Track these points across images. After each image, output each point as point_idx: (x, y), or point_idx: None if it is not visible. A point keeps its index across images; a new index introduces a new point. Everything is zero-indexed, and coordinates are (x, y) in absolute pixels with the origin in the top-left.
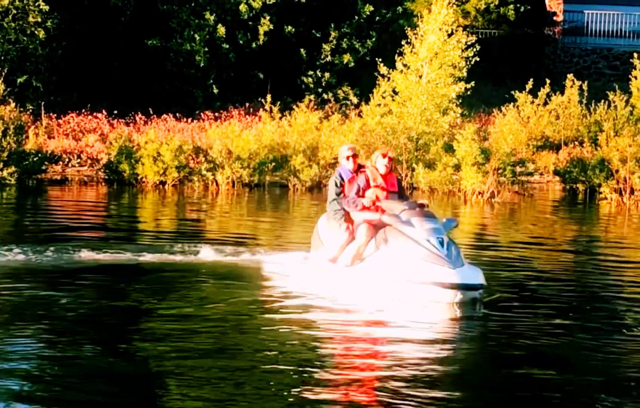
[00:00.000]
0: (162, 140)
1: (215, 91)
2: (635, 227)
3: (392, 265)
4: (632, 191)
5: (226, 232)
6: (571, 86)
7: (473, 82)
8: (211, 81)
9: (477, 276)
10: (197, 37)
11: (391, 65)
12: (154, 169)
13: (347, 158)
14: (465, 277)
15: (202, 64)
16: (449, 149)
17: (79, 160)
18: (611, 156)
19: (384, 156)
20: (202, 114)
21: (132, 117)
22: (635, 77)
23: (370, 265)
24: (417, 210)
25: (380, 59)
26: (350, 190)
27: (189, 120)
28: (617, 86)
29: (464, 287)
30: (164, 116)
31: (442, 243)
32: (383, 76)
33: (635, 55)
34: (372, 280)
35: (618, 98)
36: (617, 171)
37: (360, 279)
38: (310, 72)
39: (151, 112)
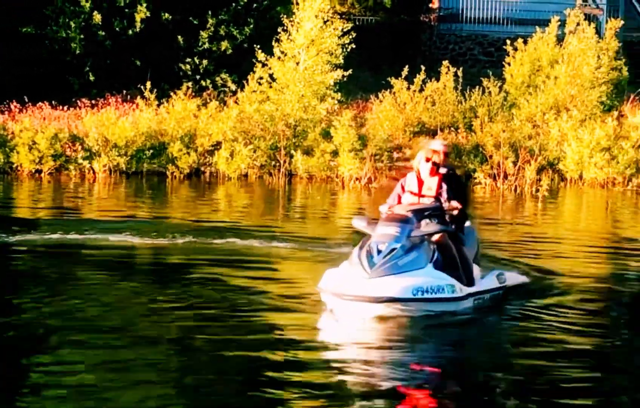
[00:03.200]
0: (37, 128)
1: (92, 78)
2: (508, 209)
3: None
4: (505, 176)
5: (104, 217)
6: (446, 73)
7: (350, 69)
8: (87, 69)
9: (396, 289)
10: (73, 25)
11: (270, 52)
12: (29, 157)
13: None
14: (376, 289)
15: (77, 52)
16: (326, 135)
17: None
18: (485, 142)
19: (427, 160)
20: (78, 101)
21: (6, 105)
22: (509, 64)
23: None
24: (388, 214)
25: (258, 46)
26: (390, 196)
27: (65, 108)
28: (491, 72)
29: (368, 299)
30: (40, 103)
31: (379, 251)
32: (261, 62)
33: (509, 41)
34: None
35: (492, 84)
36: (491, 156)
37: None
38: (188, 60)
39: (26, 100)
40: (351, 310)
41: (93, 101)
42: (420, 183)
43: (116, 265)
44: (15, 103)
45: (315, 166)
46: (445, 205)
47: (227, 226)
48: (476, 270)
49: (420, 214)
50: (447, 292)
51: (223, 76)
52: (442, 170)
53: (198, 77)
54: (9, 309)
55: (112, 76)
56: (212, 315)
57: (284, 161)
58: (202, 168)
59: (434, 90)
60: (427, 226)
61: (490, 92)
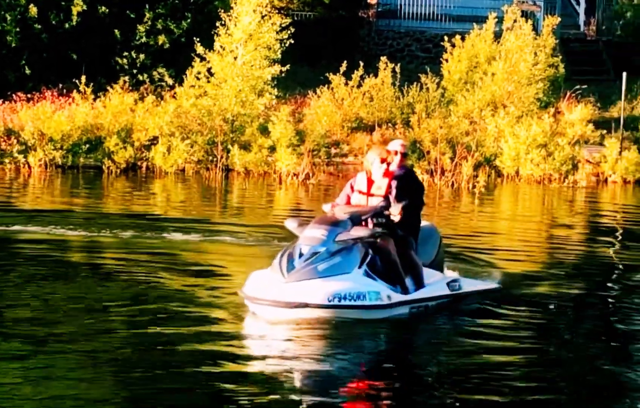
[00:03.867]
0: None
1: (28, 71)
2: (445, 204)
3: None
4: (442, 172)
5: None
6: (384, 68)
7: (288, 64)
8: (23, 62)
9: (310, 295)
10: (8, 17)
11: (207, 46)
12: None
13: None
14: (290, 294)
15: (13, 45)
16: (264, 130)
17: None
18: (423, 138)
19: (382, 161)
20: (14, 95)
21: None
22: (447, 60)
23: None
24: (321, 217)
25: (198, 39)
26: (339, 196)
27: (1, 101)
28: (429, 69)
29: (282, 304)
30: None
31: (301, 255)
32: (200, 56)
33: (446, 38)
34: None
35: (430, 80)
36: (428, 152)
37: None
38: (125, 53)
39: None
40: (270, 316)
41: (29, 95)
42: (370, 182)
43: (49, 259)
44: None
45: (252, 161)
46: (394, 209)
47: (163, 220)
48: (434, 276)
49: (358, 217)
50: (370, 299)
51: (160, 70)
52: (399, 171)
53: (135, 71)
54: None
55: (48, 69)
56: (136, 318)
57: (221, 156)
58: (139, 163)
59: (372, 86)
60: (357, 230)
61: (427, 89)
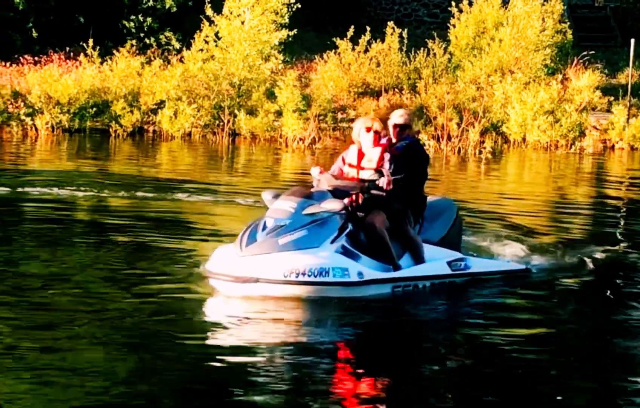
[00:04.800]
0: None
1: (35, 34)
2: (451, 170)
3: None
4: (449, 138)
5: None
6: (392, 34)
7: (295, 29)
8: (30, 25)
9: (263, 269)
10: None
11: (216, 10)
12: None
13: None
14: (243, 268)
15: (21, 7)
16: (270, 95)
17: None
18: (429, 103)
19: (368, 130)
20: (21, 58)
21: None
22: (454, 25)
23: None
24: (293, 189)
25: (209, 1)
26: (331, 168)
27: (7, 64)
28: (436, 34)
29: (234, 279)
30: None
31: (265, 227)
32: (208, 18)
33: (454, 3)
34: None
35: (437, 46)
36: (435, 118)
37: None
38: (132, 17)
39: None
40: (226, 291)
41: (36, 58)
42: (361, 155)
43: (54, 220)
44: None
45: (258, 126)
46: (382, 181)
47: (169, 183)
48: (436, 253)
49: (344, 191)
50: (334, 276)
51: (167, 34)
52: (398, 144)
53: (142, 35)
54: None
55: (55, 32)
56: (132, 284)
57: (228, 121)
58: (146, 127)
59: (378, 51)
60: (328, 202)
61: (434, 54)
